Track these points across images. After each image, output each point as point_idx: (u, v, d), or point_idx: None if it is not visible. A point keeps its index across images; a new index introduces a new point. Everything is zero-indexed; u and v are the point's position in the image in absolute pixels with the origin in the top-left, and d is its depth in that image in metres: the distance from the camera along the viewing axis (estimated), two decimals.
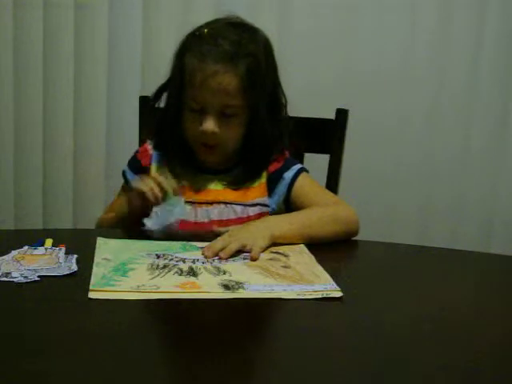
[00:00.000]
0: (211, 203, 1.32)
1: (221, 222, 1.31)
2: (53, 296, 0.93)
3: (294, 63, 2.12)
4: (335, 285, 0.98)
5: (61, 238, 1.14)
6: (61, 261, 1.03)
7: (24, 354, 0.75)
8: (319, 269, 1.06)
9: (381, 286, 1.05)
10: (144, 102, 1.56)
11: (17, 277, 0.96)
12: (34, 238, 1.12)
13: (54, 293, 0.94)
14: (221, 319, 0.90)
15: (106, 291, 0.92)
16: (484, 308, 0.99)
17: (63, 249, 1.08)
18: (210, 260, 1.07)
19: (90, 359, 0.75)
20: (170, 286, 0.95)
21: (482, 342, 0.85)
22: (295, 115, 1.42)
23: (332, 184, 1.53)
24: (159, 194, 1.18)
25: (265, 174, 1.35)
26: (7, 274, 0.97)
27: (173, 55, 1.32)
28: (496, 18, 2.23)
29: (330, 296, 0.95)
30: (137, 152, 1.42)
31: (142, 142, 1.52)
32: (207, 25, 1.31)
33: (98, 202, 2.09)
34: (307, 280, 1.00)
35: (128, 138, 1.93)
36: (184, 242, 1.16)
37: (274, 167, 1.36)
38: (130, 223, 1.26)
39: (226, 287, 0.96)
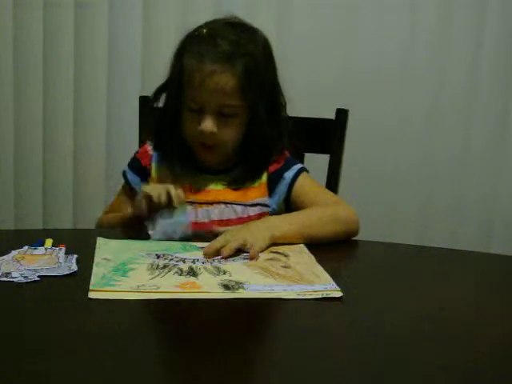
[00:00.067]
0: (211, 203, 1.33)
1: (221, 222, 1.31)
2: (53, 296, 0.93)
3: (294, 63, 2.12)
4: (335, 285, 0.98)
5: (61, 237, 1.14)
6: (61, 261, 1.03)
7: (24, 354, 0.75)
8: (319, 269, 1.06)
9: (381, 286, 1.05)
10: (144, 101, 1.56)
11: (17, 277, 0.96)
12: (34, 238, 1.12)
13: (54, 293, 0.94)
14: (221, 319, 0.90)
15: (106, 291, 0.92)
16: (484, 308, 0.99)
17: (63, 249, 1.08)
18: (209, 260, 1.07)
19: (90, 359, 0.75)
20: (170, 286, 0.95)
21: (482, 342, 0.85)
22: (295, 115, 1.42)
23: (332, 184, 1.53)
24: (166, 201, 1.19)
25: (265, 174, 1.35)
26: (7, 274, 0.97)
27: (172, 56, 1.32)
28: (496, 18, 2.23)
29: (330, 296, 0.95)
30: (137, 152, 1.42)
31: (141, 142, 1.53)
32: (206, 25, 1.31)
33: (98, 202, 2.09)
34: (307, 280, 1.00)
35: (128, 138, 1.94)
36: (184, 242, 1.16)
37: (274, 167, 1.36)
38: (130, 224, 1.26)
39: (226, 287, 0.96)
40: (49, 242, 1.11)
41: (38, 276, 0.97)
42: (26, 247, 1.08)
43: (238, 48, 1.26)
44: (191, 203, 1.30)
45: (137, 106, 1.59)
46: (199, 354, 0.77)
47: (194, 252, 1.11)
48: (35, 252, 1.07)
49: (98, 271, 0.99)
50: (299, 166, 1.37)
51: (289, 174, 1.35)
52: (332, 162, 1.55)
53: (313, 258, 1.11)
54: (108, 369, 0.73)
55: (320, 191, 1.36)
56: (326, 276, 1.02)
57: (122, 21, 2.11)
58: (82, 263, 1.02)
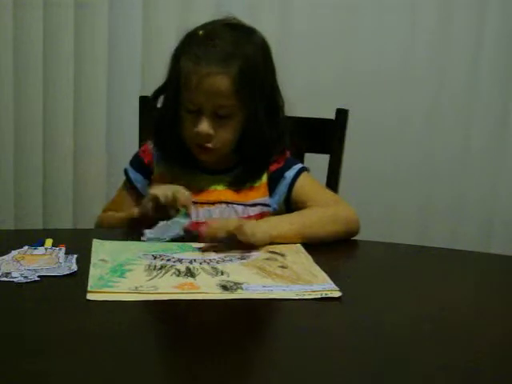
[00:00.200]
0: (213, 203, 1.33)
1: None
2: (53, 296, 0.93)
3: (294, 63, 2.12)
4: (333, 284, 0.98)
5: (61, 238, 1.14)
6: (61, 261, 1.03)
7: (24, 354, 0.75)
8: (316, 268, 1.05)
9: (381, 286, 1.05)
10: (144, 101, 1.56)
11: (17, 277, 0.96)
12: (34, 238, 1.12)
13: (54, 293, 0.94)
14: (220, 319, 0.90)
15: (104, 292, 0.92)
16: (484, 308, 0.98)
17: (63, 249, 1.08)
18: (206, 260, 1.07)
19: (90, 359, 0.75)
20: (168, 287, 0.95)
21: (482, 342, 0.85)
22: (295, 115, 1.42)
23: (332, 184, 1.53)
24: (172, 202, 1.19)
25: (265, 174, 1.35)
26: (7, 274, 0.97)
27: (170, 57, 1.32)
28: (496, 18, 2.23)
29: (329, 296, 0.95)
30: (139, 151, 1.42)
31: (142, 142, 1.53)
32: (203, 26, 1.31)
33: (98, 202, 2.09)
34: (305, 280, 1.00)
35: (128, 138, 1.94)
36: (179, 243, 1.16)
37: (274, 167, 1.36)
38: (132, 225, 1.26)
39: (225, 288, 0.96)
40: (49, 241, 1.11)
41: (38, 276, 0.97)
42: (25, 247, 1.08)
43: (235, 49, 1.26)
44: (193, 203, 1.30)
45: (137, 106, 1.59)
46: (199, 354, 0.77)
47: (191, 252, 1.11)
48: (35, 252, 1.07)
49: (95, 272, 0.99)
50: (300, 165, 1.37)
51: (289, 174, 1.35)
52: (332, 161, 1.55)
53: (310, 257, 1.11)
54: (108, 369, 0.73)
55: (320, 191, 1.36)
56: (324, 276, 1.02)
57: (122, 21, 2.11)
58: (82, 263, 1.02)
